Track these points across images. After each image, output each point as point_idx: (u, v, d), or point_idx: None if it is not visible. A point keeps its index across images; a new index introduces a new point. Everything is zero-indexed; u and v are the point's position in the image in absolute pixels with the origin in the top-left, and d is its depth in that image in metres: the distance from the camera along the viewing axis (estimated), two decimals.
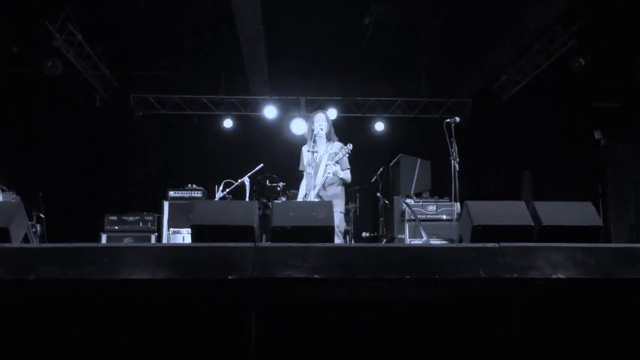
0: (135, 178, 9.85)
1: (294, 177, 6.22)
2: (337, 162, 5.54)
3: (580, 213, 3.90)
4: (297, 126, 9.67)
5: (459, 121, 5.52)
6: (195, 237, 3.72)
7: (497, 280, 3.11)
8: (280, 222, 3.69)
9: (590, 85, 8.88)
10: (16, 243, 3.54)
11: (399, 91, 10.18)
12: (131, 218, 8.51)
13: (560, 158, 9.74)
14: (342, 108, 10.10)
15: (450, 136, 5.33)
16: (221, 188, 6.49)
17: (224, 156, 9.74)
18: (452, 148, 5.31)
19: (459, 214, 4.80)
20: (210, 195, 8.18)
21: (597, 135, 9.38)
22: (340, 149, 5.65)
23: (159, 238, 8.44)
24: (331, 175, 5.50)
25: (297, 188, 5.96)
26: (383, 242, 8.07)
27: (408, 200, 7.81)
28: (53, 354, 2.99)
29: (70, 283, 2.99)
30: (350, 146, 5.51)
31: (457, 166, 5.29)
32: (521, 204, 3.95)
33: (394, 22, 8.30)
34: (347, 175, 5.67)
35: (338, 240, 5.00)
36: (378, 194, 8.02)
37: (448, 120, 5.42)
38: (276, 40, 8.49)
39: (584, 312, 3.19)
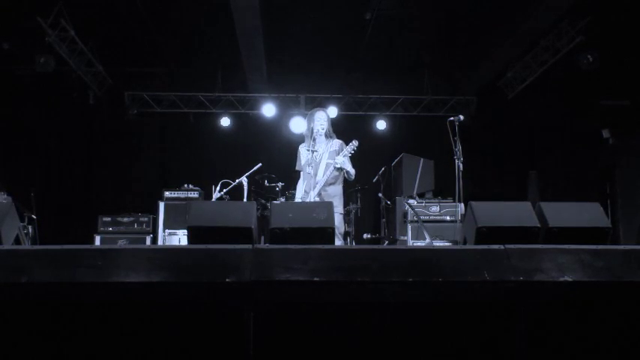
0: (129, 178, 9.79)
1: (293, 177, 6.20)
2: (343, 156, 5.48)
3: (588, 214, 3.90)
4: (297, 124, 9.61)
5: (463, 120, 5.48)
6: (191, 239, 3.71)
7: (502, 283, 3.09)
8: (279, 223, 3.67)
9: (598, 82, 8.83)
10: (7, 245, 3.53)
11: (402, 89, 10.11)
12: (126, 219, 8.43)
13: (567, 157, 9.76)
14: (343, 106, 10.03)
15: (454, 135, 5.26)
16: (218, 188, 6.45)
17: (221, 155, 9.69)
18: (456, 147, 5.26)
19: (463, 215, 4.80)
20: (207, 195, 8.10)
21: (605, 134, 9.38)
22: (340, 146, 5.61)
23: (154, 240, 8.37)
24: (339, 165, 5.43)
25: (296, 188, 5.88)
26: (385, 244, 7.97)
27: (411, 201, 7.73)
28: (46, 358, 2.97)
29: (63, 286, 2.98)
30: (356, 142, 5.45)
31: (461, 165, 5.21)
32: (527, 205, 3.93)
33: (396, 18, 8.26)
34: (353, 169, 5.62)
35: (338, 242, 4.90)
36: (380, 195, 7.93)
37: (452, 118, 5.38)
38: (274, 36, 8.40)
39: (591, 316, 3.14)
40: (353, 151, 5.49)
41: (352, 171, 5.60)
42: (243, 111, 10.05)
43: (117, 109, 9.77)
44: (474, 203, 3.85)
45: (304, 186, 5.57)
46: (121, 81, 9.71)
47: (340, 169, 5.51)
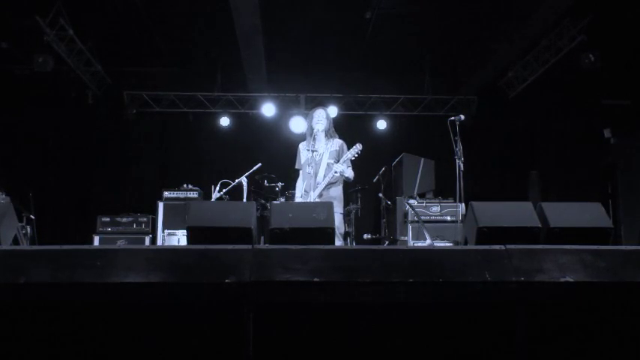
0: (128, 178, 9.76)
1: (293, 177, 6.18)
2: (343, 161, 5.45)
3: (589, 214, 3.87)
4: (297, 124, 9.58)
5: (464, 119, 5.47)
6: (191, 239, 3.70)
7: (503, 284, 3.07)
8: (279, 223, 3.66)
9: (600, 81, 8.81)
10: (6, 245, 3.53)
11: (402, 88, 10.09)
12: (124, 219, 8.41)
13: (568, 157, 9.70)
14: (343, 105, 10.00)
15: (455, 135, 5.25)
16: (218, 188, 6.46)
17: (221, 155, 9.67)
18: (456, 147, 5.25)
19: (464, 216, 4.75)
20: (207, 196, 8.10)
21: (607, 133, 9.35)
22: (341, 146, 5.58)
23: (153, 240, 8.35)
24: (338, 174, 5.41)
25: (295, 187, 5.86)
26: (385, 244, 7.92)
27: (411, 201, 7.70)
28: (45, 359, 2.96)
29: (61, 287, 2.97)
30: (360, 146, 5.42)
31: (462, 165, 5.20)
32: (529, 205, 3.91)
33: (396, 17, 8.18)
34: (352, 173, 5.59)
35: (338, 242, 4.87)
36: (380, 195, 7.89)
37: (453, 118, 5.38)
38: (274, 35, 8.35)
39: (593, 317, 3.12)
40: (356, 155, 5.45)
41: (351, 175, 5.58)
42: (242, 111, 10.01)
43: (116, 108, 9.74)
44: (474, 203, 3.83)
45: (304, 185, 5.54)
46: (120, 80, 9.68)
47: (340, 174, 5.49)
